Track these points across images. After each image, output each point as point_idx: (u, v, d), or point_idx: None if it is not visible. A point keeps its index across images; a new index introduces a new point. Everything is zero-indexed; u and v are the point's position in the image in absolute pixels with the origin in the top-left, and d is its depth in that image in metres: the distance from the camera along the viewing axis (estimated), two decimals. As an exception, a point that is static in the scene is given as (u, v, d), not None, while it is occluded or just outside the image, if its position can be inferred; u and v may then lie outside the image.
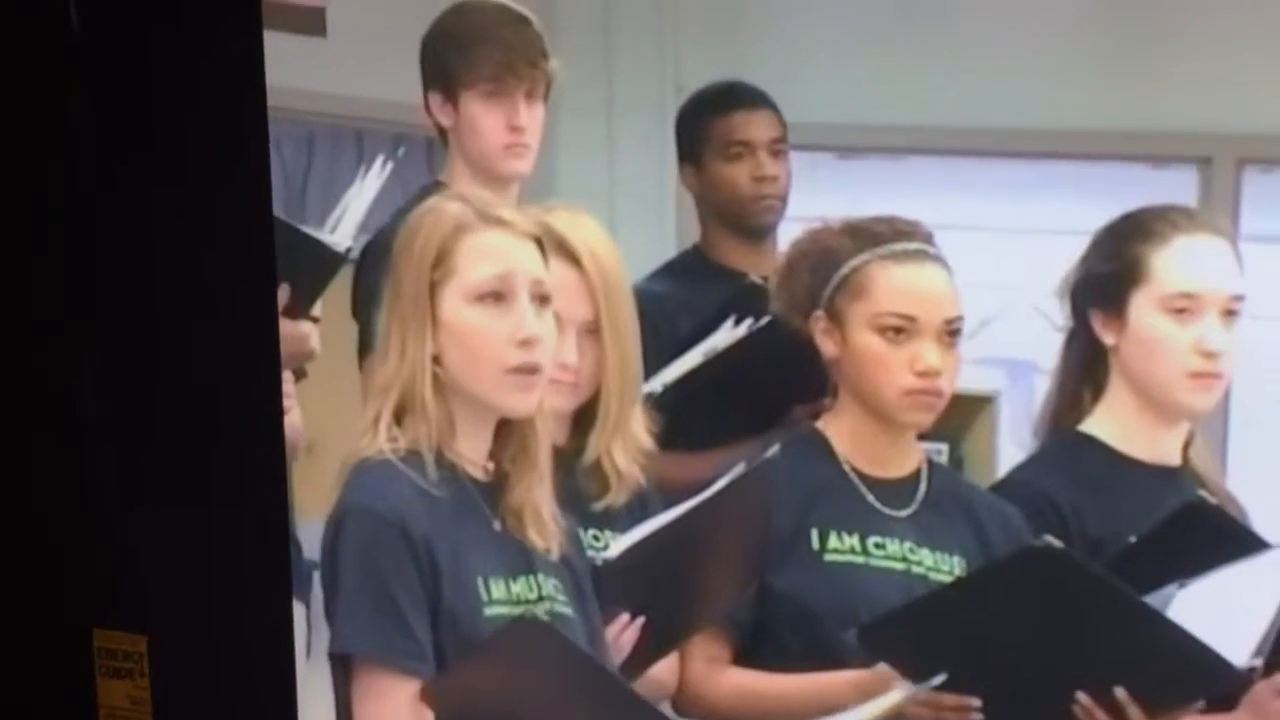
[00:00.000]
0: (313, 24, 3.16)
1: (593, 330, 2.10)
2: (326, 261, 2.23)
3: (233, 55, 2.16)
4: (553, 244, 2.06)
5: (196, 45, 2.19)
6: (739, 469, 2.05)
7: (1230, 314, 2.09)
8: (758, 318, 2.28)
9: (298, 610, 2.14)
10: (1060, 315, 2.16)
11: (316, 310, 2.26)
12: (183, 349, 2.17)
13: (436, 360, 1.96)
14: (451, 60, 2.43)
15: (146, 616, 2.18)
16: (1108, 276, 2.12)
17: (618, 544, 2.06)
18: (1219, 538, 1.96)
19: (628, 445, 2.12)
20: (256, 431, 2.14)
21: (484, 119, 2.41)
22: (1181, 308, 2.09)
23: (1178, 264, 2.10)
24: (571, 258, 2.09)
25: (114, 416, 2.18)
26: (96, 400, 2.19)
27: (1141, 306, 2.11)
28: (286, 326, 2.14)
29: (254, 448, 2.16)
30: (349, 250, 2.22)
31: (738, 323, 2.35)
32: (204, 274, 2.16)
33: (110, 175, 2.16)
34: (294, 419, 2.21)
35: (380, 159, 2.32)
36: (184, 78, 2.18)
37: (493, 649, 1.91)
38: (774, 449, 2.07)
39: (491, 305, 1.96)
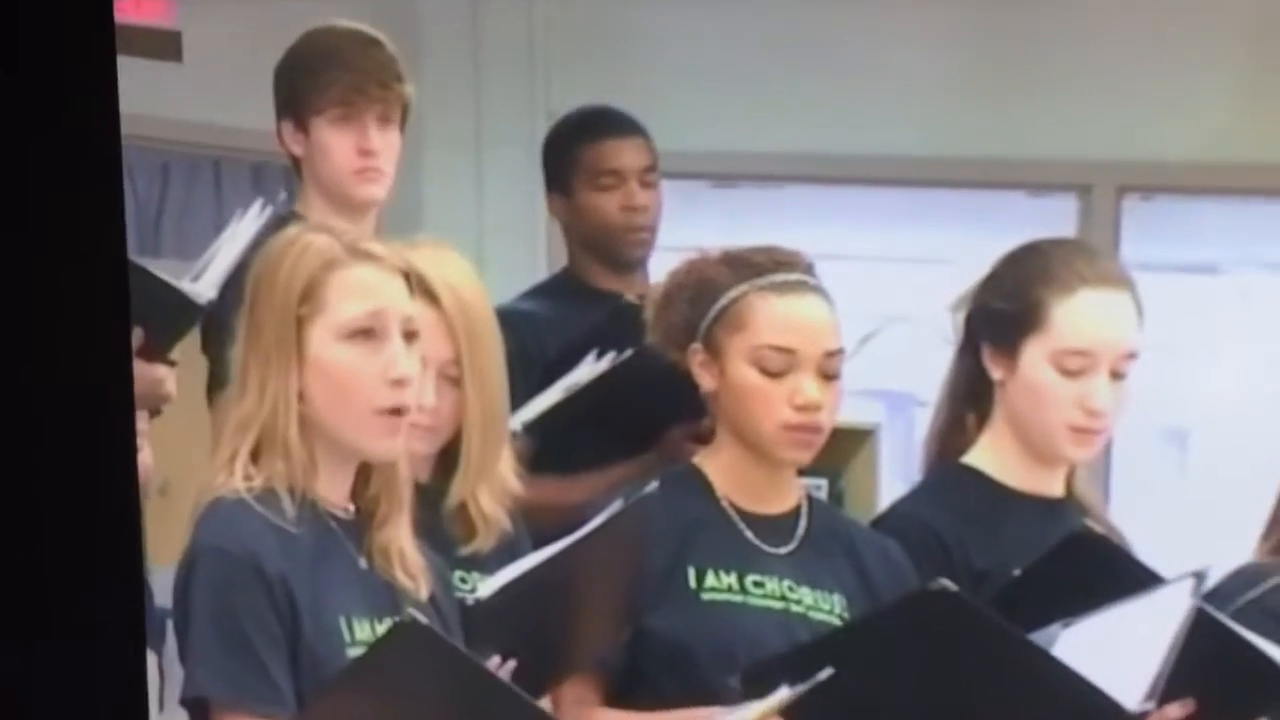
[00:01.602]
0: (168, 49, 3.09)
1: (453, 371, 2.04)
2: (186, 311, 2.16)
3: (85, 80, 2.09)
4: (414, 282, 1.97)
5: (45, 68, 2.11)
6: (614, 507, 1.98)
7: (1119, 374, 2.07)
8: (630, 339, 2.24)
9: (150, 660, 1.94)
10: (952, 331, 2.15)
11: (174, 354, 2.19)
12: (27, 384, 2.10)
13: (300, 398, 1.88)
14: (301, 86, 2.39)
15: None
16: (1004, 315, 2.10)
17: (488, 584, 1.98)
18: (1106, 569, 1.94)
19: (494, 489, 2.06)
20: (106, 472, 1.97)
21: (334, 143, 2.36)
22: (1074, 366, 2.07)
23: (1078, 319, 2.07)
24: (431, 296, 2.02)
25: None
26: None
27: (1034, 354, 2.08)
28: (141, 369, 2.06)
29: (104, 489, 1.95)
30: (210, 302, 2.14)
31: (601, 354, 2.32)
32: (52, 308, 2.05)
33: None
34: (145, 458, 2.13)
35: (259, 203, 2.23)
36: (32, 103, 2.10)
37: (372, 657, 1.82)
38: (652, 486, 2.00)
39: (362, 343, 1.88)
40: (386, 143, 2.35)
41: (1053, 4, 2.19)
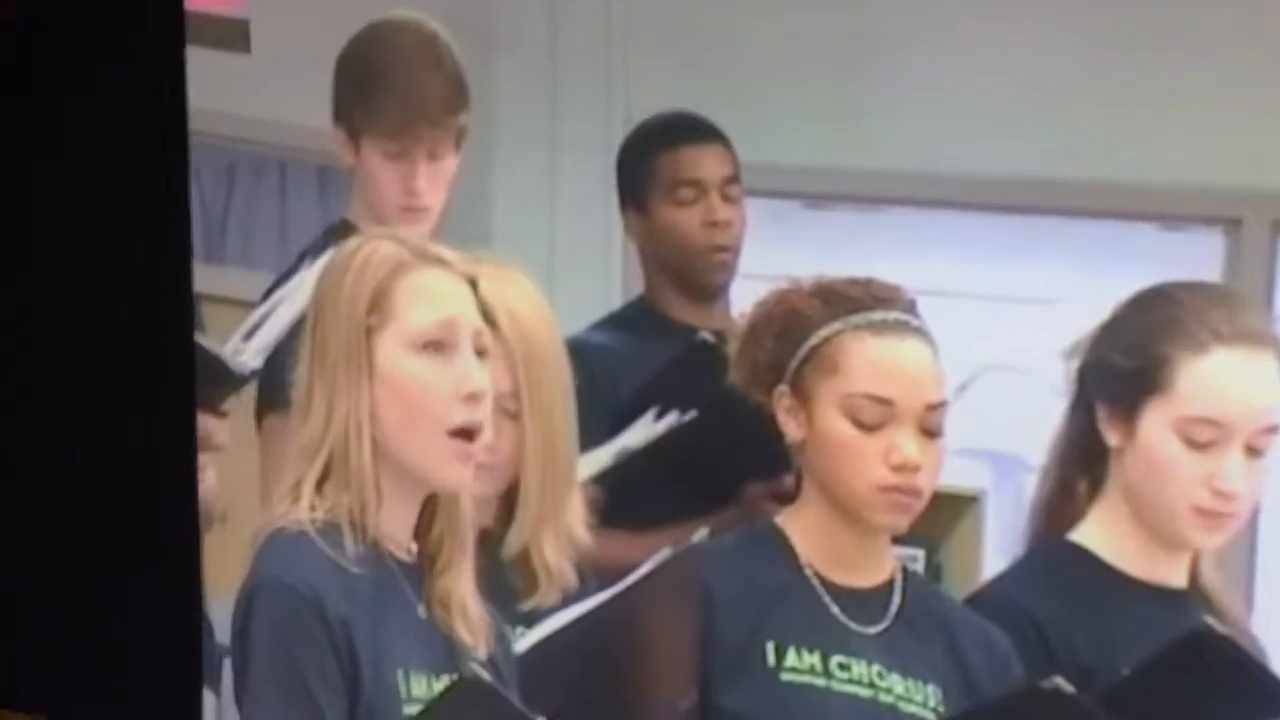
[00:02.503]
0: (236, 38, 2.98)
1: (513, 406, 1.90)
2: (229, 378, 2.11)
3: (153, 68, 2.07)
4: (480, 295, 1.86)
5: (114, 55, 2.09)
6: (659, 557, 1.84)
7: (1256, 450, 1.85)
8: (707, 382, 2.07)
9: (207, 699, 2.05)
10: (1063, 382, 1.93)
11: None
12: (90, 408, 2.10)
13: (370, 418, 1.78)
14: (352, 102, 2.28)
15: (47, 699, 2.12)
16: (1123, 372, 1.88)
17: (525, 639, 1.87)
18: (1231, 678, 1.72)
19: (559, 539, 1.92)
20: (168, 503, 2.06)
21: (381, 175, 2.25)
22: (1202, 438, 1.84)
23: (1208, 383, 1.85)
24: (490, 320, 1.87)
25: (16, 487, 2.11)
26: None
27: (1156, 421, 1.86)
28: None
29: (166, 520, 2.07)
30: (254, 372, 2.08)
31: (662, 413, 2.17)
32: (115, 326, 2.09)
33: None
34: (209, 483, 2.11)
35: (305, 267, 2.13)
36: (101, 91, 2.08)
37: (431, 714, 1.73)
38: (700, 534, 1.87)
39: (433, 355, 1.78)
40: (436, 178, 2.24)
41: (1192, 1, 1.95)
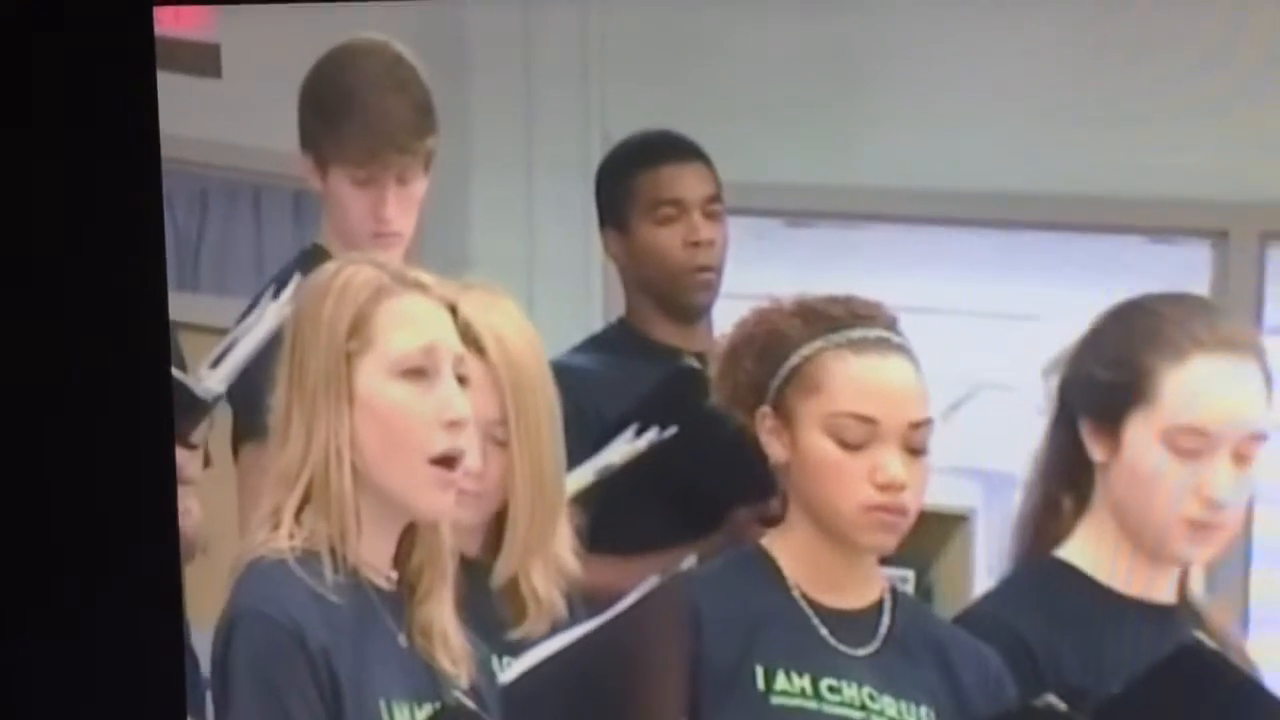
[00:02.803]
0: (206, 63, 2.97)
1: (500, 434, 1.89)
2: (195, 405, 2.11)
3: (124, 95, 2.10)
4: (460, 321, 1.87)
5: (83, 81, 2.10)
6: (647, 585, 1.85)
7: (1244, 458, 1.82)
8: (690, 405, 2.06)
9: None
10: (1045, 399, 1.91)
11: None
12: (69, 439, 2.13)
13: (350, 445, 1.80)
14: (318, 129, 2.26)
15: None
16: (1105, 385, 1.86)
17: (510, 669, 1.86)
18: (1223, 696, 1.68)
19: (547, 567, 1.92)
20: (149, 535, 2.07)
21: (350, 203, 2.24)
22: (1187, 445, 1.82)
23: (1192, 391, 1.83)
24: (477, 346, 1.88)
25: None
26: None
27: (1140, 432, 1.84)
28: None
29: (147, 553, 2.08)
30: (218, 398, 2.08)
31: (641, 431, 2.14)
32: (91, 356, 2.12)
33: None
34: (193, 515, 2.12)
35: (270, 292, 2.14)
36: (71, 117, 2.11)
37: None
38: (689, 561, 1.87)
39: (414, 381, 1.80)
40: (406, 204, 2.23)
41: (1178, 11, 1.94)
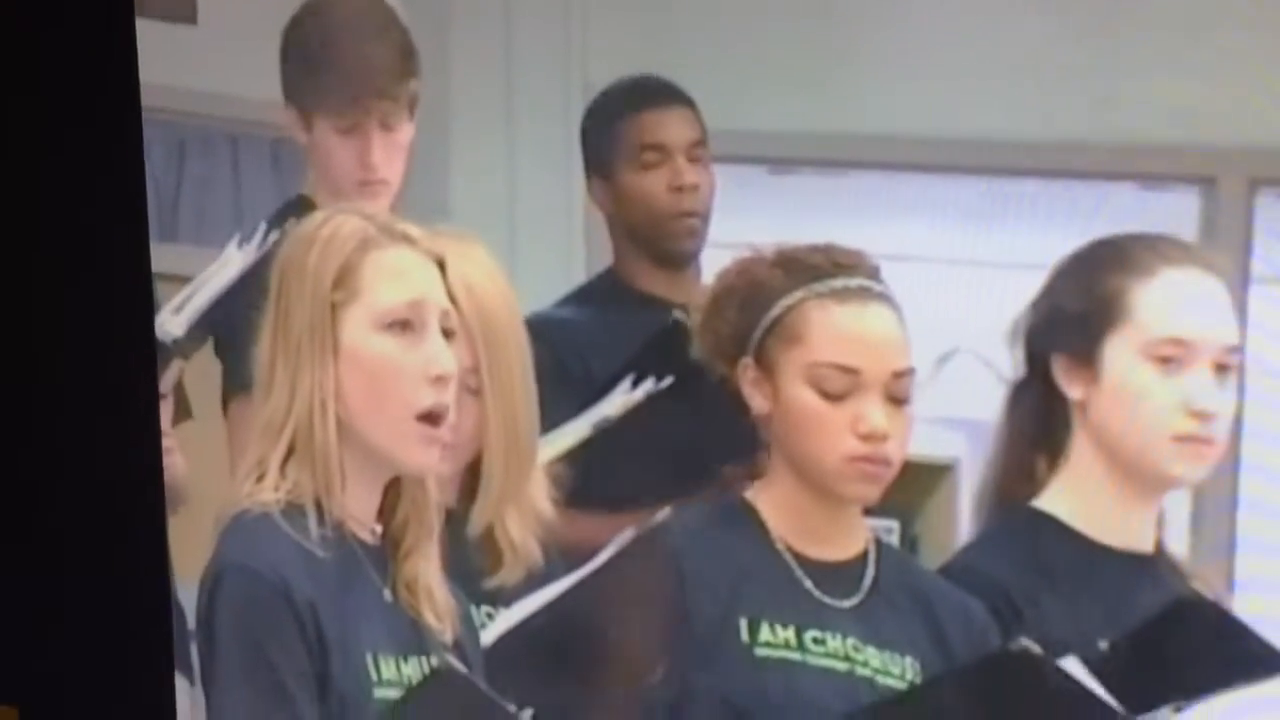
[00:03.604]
0: (181, 9, 2.96)
1: (473, 382, 1.89)
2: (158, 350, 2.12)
3: (103, 44, 2.08)
4: (445, 272, 1.87)
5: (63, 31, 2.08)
6: (625, 537, 1.86)
7: (1224, 368, 1.82)
8: (684, 357, 2.04)
9: (180, 684, 2.05)
10: (1009, 364, 1.90)
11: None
12: (52, 393, 2.12)
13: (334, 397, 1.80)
14: (299, 79, 2.24)
15: (17, 687, 2.13)
16: (1077, 315, 1.85)
17: (492, 627, 1.88)
18: (1222, 649, 1.67)
19: (523, 515, 1.92)
20: (134, 487, 2.06)
21: (335, 150, 2.21)
22: (1168, 356, 1.81)
23: (1165, 302, 1.82)
24: (449, 296, 1.87)
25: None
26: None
27: (1119, 352, 1.83)
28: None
29: (131, 505, 2.07)
30: (175, 341, 2.07)
31: (638, 381, 2.12)
32: (73, 309, 2.10)
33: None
34: (176, 464, 2.10)
35: (235, 239, 2.14)
36: (50, 71, 2.09)
37: (408, 704, 1.78)
38: (664, 513, 1.87)
39: (400, 334, 1.79)
40: (392, 150, 2.20)
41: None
